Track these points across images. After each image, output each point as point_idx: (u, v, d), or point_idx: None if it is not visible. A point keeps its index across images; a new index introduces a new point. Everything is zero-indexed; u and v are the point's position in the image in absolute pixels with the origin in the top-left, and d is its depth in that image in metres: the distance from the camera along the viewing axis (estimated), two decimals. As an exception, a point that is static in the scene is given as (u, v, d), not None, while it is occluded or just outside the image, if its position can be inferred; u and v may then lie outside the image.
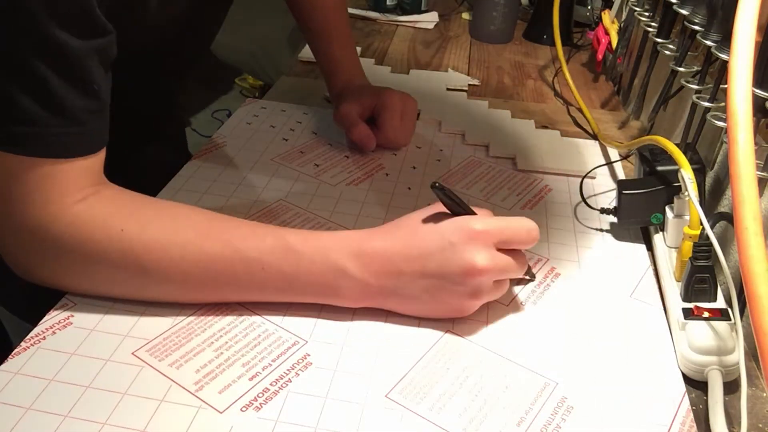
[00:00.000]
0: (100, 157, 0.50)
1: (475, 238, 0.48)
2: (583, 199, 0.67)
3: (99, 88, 0.47)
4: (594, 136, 0.83)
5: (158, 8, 0.59)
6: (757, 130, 0.56)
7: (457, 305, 0.50)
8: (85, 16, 0.45)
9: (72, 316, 0.50)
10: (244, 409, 0.44)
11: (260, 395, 0.45)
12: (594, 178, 0.73)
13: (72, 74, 0.45)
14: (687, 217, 0.55)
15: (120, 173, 0.54)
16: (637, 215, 0.62)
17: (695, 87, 0.65)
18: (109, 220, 0.48)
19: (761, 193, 0.55)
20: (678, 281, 0.54)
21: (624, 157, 0.78)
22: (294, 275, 0.49)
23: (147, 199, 0.52)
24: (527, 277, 0.57)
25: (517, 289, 0.56)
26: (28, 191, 0.46)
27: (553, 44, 1.05)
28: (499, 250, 0.49)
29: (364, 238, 0.50)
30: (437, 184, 0.48)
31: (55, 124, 0.45)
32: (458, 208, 0.50)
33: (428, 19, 1.25)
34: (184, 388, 0.45)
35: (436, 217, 0.50)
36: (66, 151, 0.47)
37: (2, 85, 0.43)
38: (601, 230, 0.65)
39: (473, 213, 0.51)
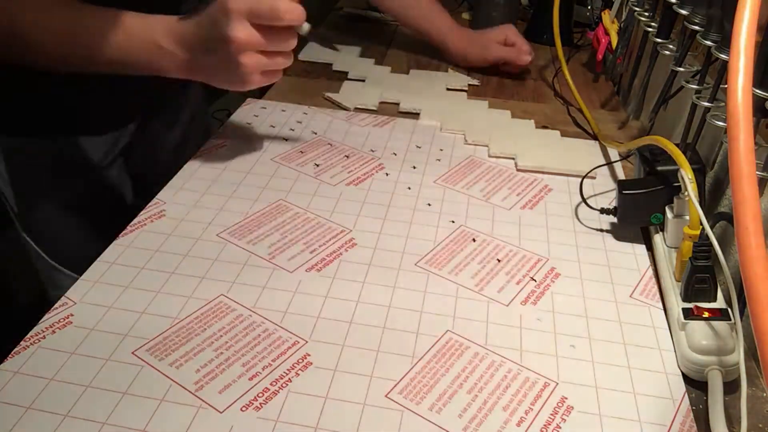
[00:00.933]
0: None
1: (229, 13, 0.58)
2: (583, 199, 0.67)
3: None
4: (594, 136, 0.83)
5: None
6: (757, 130, 0.56)
7: (238, 73, 0.60)
8: None
9: (72, 315, 0.50)
10: (244, 408, 0.44)
11: (260, 395, 0.45)
12: (594, 178, 0.73)
13: None
14: (687, 217, 0.55)
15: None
16: (637, 215, 0.62)
17: (695, 87, 0.65)
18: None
19: (761, 193, 0.55)
20: (678, 281, 0.54)
21: (624, 157, 0.78)
22: (122, 46, 0.61)
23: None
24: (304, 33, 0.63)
25: (516, 289, 0.56)
26: None
27: (553, 44, 1.04)
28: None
29: (174, 20, 0.61)
30: None
31: None
32: None
33: (428, 19, 1.25)
34: (184, 387, 0.45)
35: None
36: None
37: None
38: (601, 230, 0.65)
39: None
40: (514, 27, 1.03)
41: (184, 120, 0.89)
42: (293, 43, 0.62)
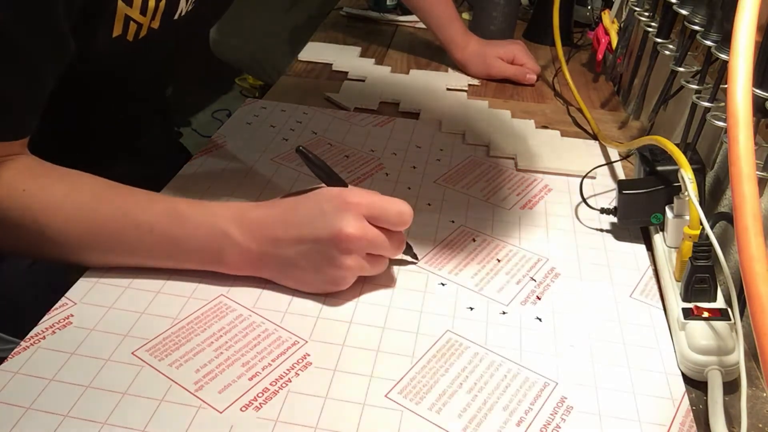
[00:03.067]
0: (22, 141, 0.53)
1: (346, 207, 0.50)
2: (583, 199, 0.67)
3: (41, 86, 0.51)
4: (594, 136, 0.83)
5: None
6: (757, 130, 0.56)
7: (331, 274, 0.51)
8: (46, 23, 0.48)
9: (72, 315, 0.50)
10: (243, 408, 0.44)
11: (260, 395, 0.45)
12: (594, 178, 0.73)
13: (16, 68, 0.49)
14: (687, 217, 0.55)
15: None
16: (637, 215, 0.62)
17: (695, 87, 0.65)
18: (13, 180, 0.51)
19: (761, 193, 0.55)
20: (678, 281, 0.54)
21: (624, 157, 0.78)
22: (180, 238, 0.52)
23: (55, 167, 0.54)
24: (409, 258, 0.58)
25: (516, 289, 0.56)
26: None
27: (553, 44, 1.05)
28: (374, 226, 0.51)
29: (248, 207, 0.53)
30: (301, 148, 0.53)
31: None
32: (324, 174, 0.54)
33: (428, 19, 1.25)
34: (183, 387, 0.45)
35: (316, 191, 0.53)
36: None
37: None
38: (601, 230, 0.65)
39: (342, 180, 0.55)
40: (522, 44, 1.02)
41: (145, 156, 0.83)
42: (402, 249, 0.55)
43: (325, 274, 0.52)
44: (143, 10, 0.59)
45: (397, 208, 0.52)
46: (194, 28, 0.71)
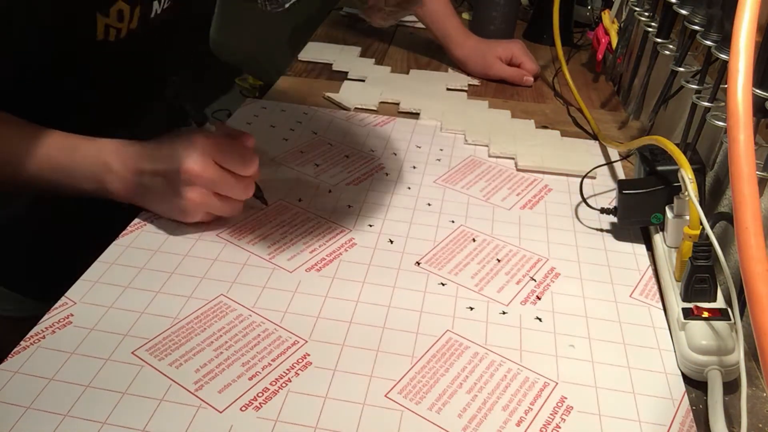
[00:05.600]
0: None
1: (194, 145, 0.56)
2: (583, 199, 0.67)
3: None
4: (594, 136, 0.83)
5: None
6: (757, 130, 0.56)
7: (177, 203, 0.58)
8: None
9: (72, 315, 0.50)
10: (243, 408, 0.44)
11: (260, 395, 0.45)
12: (594, 178, 0.73)
13: None
14: (687, 217, 0.55)
15: None
16: (637, 215, 0.62)
17: (695, 87, 0.65)
18: None
19: (761, 193, 0.55)
20: (678, 281, 0.54)
21: (624, 157, 0.78)
22: (70, 167, 0.58)
23: None
24: (259, 203, 0.63)
25: (516, 289, 0.56)
26: None
27: (553, 44, 1.04)
28: (223, 168, 0.57)
29: (128, 142, 0.59)
30: (170, 90, 0.61)
31: None
32: (197, 117, 0.60)
33: (428, 19, 1.25)
34: (183, 387, 0.45)
35: (180, 130, 0.59)
36: None
37: None
38: (601, 230, 0.65)
39: (204, 120, 0.61)
40: (521, 44, 1.01)
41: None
42: (249, 194, 0.60)
43: (173, 203, 0.58)
44: (120, 18, 0.64)
45: (240, 153, 0.58)
46: (175, 24, 0.74)
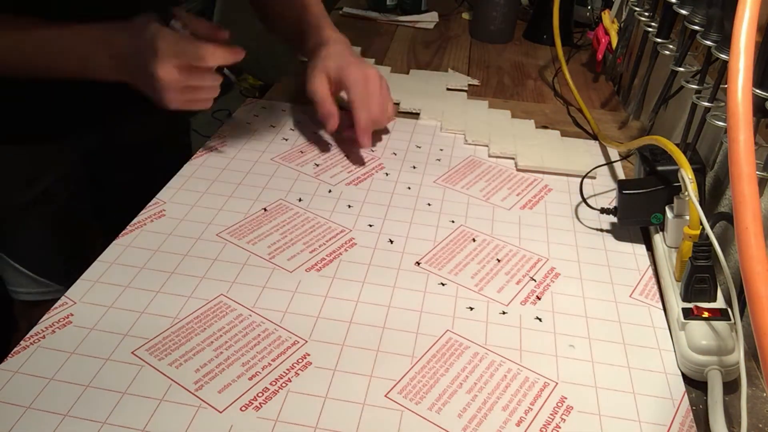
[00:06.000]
0: None
1: (155, 53, 0.61)
2: (583, 199, 0.67)
3: None
4: (594, 136, 0.83)
5: None
6: (757, 130, 0.56)
7: (159, 99, 0.63)
8: None
9: (72, 315, 0.50)
10: (243, 408, 0.44)
11: (260, 395, 0.45)
12: (594, 178, 0.73)
13: None
14: (687, 217, 0.55)
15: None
16: (637, 215, 0.62)
17: (695, 87, 0.65)
18: None
19: (761, 193, 0.55)
20: (678, 281, 0.54)
21: (624, 157, 0.78)
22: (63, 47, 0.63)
23: None
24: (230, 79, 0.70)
25: (516, 289, 0.56)
26: None
27: (553, 44, 1.04)
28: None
29: (116, 32, 0.63)
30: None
31: None
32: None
33: (428, 19, 1.25)
34: (183, 387, 0.45)
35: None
36: None
37: None
38: (601, 230, 0.65)
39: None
40: (376, 78, 0.74)
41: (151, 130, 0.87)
42: (215, 80, 0.66)
43: (157, 96, 0.63)
44: None
45: (194, 51, 0.63)
46: None
